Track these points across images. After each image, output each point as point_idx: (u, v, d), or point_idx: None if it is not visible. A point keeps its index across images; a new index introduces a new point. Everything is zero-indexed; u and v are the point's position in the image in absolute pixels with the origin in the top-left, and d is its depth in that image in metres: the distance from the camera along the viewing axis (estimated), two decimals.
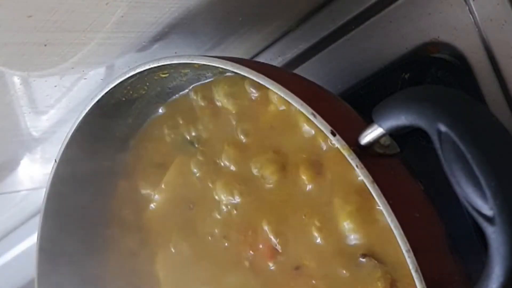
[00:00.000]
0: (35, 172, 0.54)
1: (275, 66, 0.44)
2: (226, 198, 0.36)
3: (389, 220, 0.26)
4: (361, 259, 0.31)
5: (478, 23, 0.36)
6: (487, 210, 0.23)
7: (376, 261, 0.30)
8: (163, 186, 0.41)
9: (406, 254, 0.25)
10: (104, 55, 0.38)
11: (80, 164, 0.40)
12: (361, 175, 0.27)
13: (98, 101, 0.36)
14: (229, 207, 0.36)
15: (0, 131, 0.44)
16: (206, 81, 0.38)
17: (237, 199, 0.36)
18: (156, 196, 0.41)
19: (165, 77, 0.37)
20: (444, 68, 0.38)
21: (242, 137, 0.36)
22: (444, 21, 0.37)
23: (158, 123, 0.41)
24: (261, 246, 0.35)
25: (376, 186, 0.26)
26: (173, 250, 0.40)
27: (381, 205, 0.26)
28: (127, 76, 0.35)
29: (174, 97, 0.40)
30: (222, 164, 0.37)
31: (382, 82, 0.40)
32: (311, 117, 0.28)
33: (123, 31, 0.35)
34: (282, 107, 0.34)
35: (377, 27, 0.40)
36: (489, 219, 0.23)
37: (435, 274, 0.26)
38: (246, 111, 0.36)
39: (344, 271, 0.31)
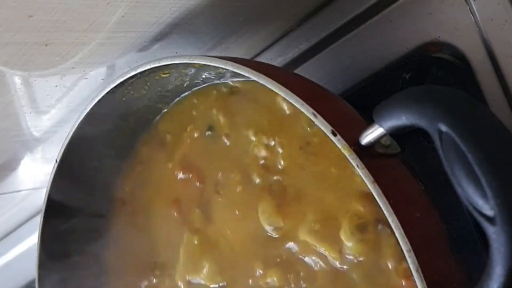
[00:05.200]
0: (36, 172, 0.54)
1: (275, 66, 0.44)
2: None
3: (390, 220, 0.26)
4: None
5: (479, 23, 0.36)
6: (488, 210, 0.23)
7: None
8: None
9: (406, 254, 0.25)
10: (105, 55, 0.38)
11: (80, 164, 0.40)
12: (362, 175, 0.27)
13: (99, 101, 0.36)
14: None
15: (1, 131, 0.44)
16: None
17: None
18: None
19: (166, 77, 0.37)
20: (445, 68, 0.38)
21: None
22: (445, 21, 0.37)
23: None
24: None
25: (377, 186, 0.26)
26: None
27: (382, 205, 0.26)
28: (128, 76, 0.35)
29: (177, 96, 0.40)
30: None
31: (383, 82, 0.40)
32: (312, 117, 0.28)
33: (124, 31, 0.35)
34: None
35: (377, 27, 0.40)
36: (490, 219, 0.23)
37: (436, 274, 0.26)
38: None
39: None
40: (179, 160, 0.40)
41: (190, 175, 0.39)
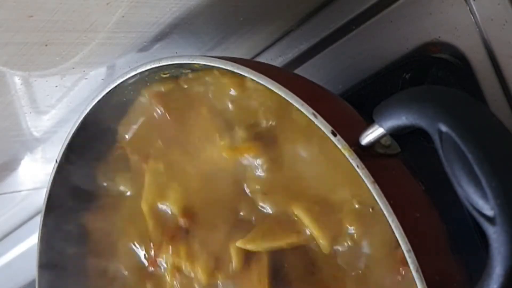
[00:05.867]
0: (36, 172, 0.54)
1: (275, 66, 0.44)
2: None
3: (389, 220, 0.26)
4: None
5: (479, 23, 0.36)
6: (488, 210, 0.23)
7: None
8: None
9: (407, 254, 0.25)
10: (105, 55, 0.38)
11: (80, 164, 0.40)
12: (362, 175, 0.27)
13: (99, 101, 0.36)
14: None
15: (1, 131, 0.44)
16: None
17: None
18: None
19: (166, 77, 0.37)
20: (445, 68, 0.38)
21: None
22: (445, 21, 0.37)
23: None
24: None
25: (377, 186, 0.26)
26: None
27: (382, 205, 0.26)
28: (128, 76, 0.35)
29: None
30: None
31: (383, 82, 0.40)
32: (312, 117, 0.28)
33: (124, 31, 0.35)
34: None
35: (378, 27, 0.40)
36: (490, 219, 0.23)
37: (436, 274, 0.26)
38: None
39: None
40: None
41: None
